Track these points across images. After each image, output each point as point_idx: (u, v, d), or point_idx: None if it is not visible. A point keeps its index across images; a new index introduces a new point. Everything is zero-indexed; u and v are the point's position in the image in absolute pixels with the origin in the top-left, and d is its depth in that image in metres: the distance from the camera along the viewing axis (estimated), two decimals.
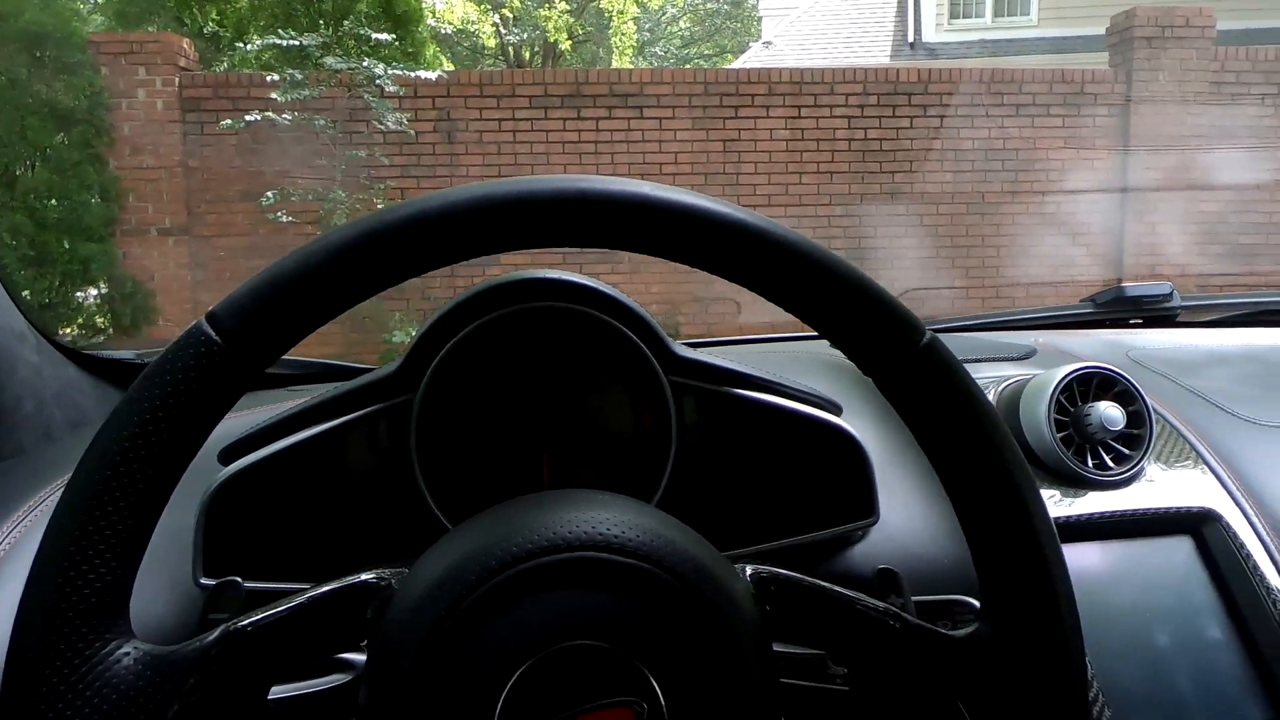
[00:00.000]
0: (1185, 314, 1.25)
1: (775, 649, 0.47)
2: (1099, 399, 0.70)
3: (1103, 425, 0.68)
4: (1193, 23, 5.62)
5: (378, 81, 5.01)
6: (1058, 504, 0.69)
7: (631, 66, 12.41)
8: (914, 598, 0.56)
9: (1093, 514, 0.68)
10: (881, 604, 0.46)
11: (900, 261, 5.55)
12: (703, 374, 0.65)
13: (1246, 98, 5.70)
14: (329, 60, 5.00)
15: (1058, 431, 0.69)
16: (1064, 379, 0.69)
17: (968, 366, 0.85)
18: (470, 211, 0.42)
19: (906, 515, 0.68)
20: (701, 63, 16.01)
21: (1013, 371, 0.81)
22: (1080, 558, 0.67)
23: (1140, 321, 1.29)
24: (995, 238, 5.62)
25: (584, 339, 0.66)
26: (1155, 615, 0.64)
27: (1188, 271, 5.31)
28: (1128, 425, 0.69)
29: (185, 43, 5.45)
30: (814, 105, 5.72)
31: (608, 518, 0.42)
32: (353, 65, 5.04)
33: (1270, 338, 1.05)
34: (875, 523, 0.65)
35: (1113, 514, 0.68)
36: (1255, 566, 0.65)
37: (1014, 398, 0.72)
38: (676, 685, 0.41)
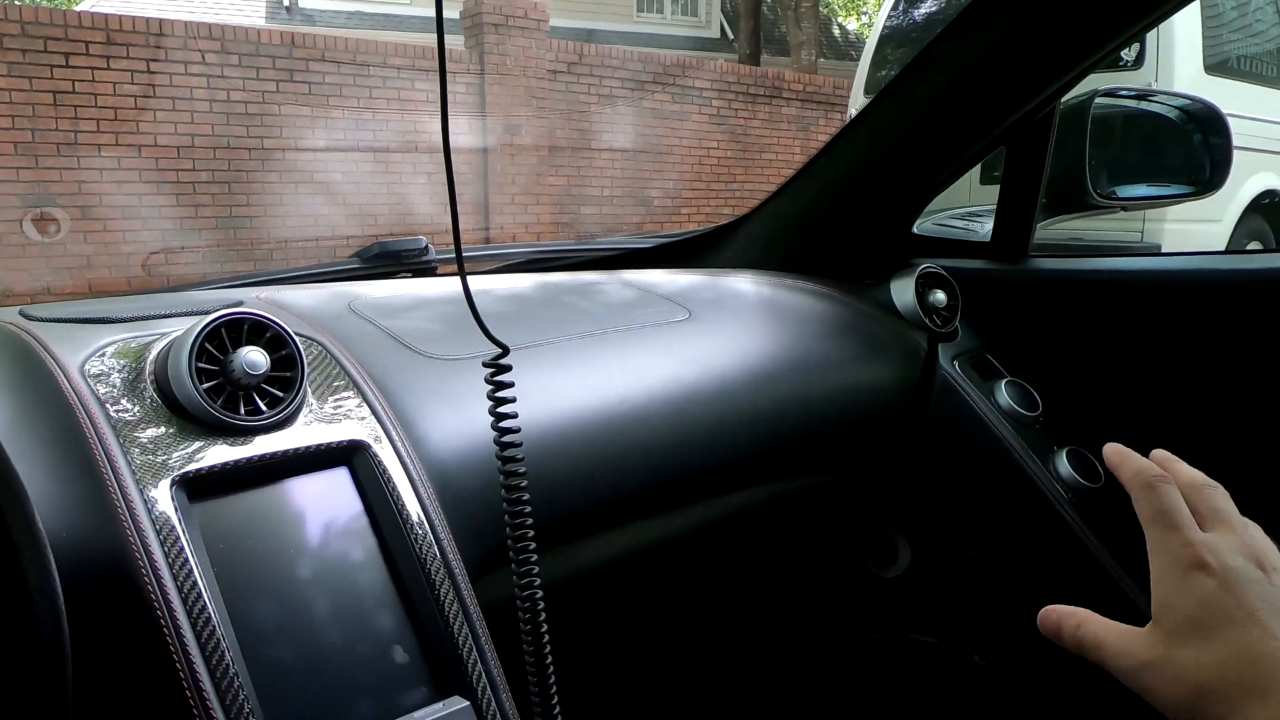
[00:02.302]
0: (442, 266, 1.36)
1: None
2: (250, 344, 0.69)
3: (245, 370, 0.67)
4: (530, 15, 6.30)
5: None
6: (215, 453, 0.67)
7: None
8: None
9: (252, 457, 0.68)
10: None
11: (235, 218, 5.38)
12: None
13: (577, 85, 6.59)
14: None
15: (207, 381, 0.67)
16: (204, 328, 0.67)
17: (150, 323, 0.80)
18: None
19: None
20: (45, 1, 13.67)
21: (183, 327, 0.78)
22: (240, 503, 0.66)
23: (410, 274, 1.36)
24: (369, 198, 5.73)
25: None
26: (306, 547, 0.66)
27: (538, 232, 5.99)
28: (280, 368, 0.70)
29: None
30: (165, 60, 5.22)
31: None
32: None
33: (489, 283, 1.17)
34: None
35: (273, 454, 0.68)
36: (395, 489, 0.70)
37: (166, 353, 0.69)
38: None
